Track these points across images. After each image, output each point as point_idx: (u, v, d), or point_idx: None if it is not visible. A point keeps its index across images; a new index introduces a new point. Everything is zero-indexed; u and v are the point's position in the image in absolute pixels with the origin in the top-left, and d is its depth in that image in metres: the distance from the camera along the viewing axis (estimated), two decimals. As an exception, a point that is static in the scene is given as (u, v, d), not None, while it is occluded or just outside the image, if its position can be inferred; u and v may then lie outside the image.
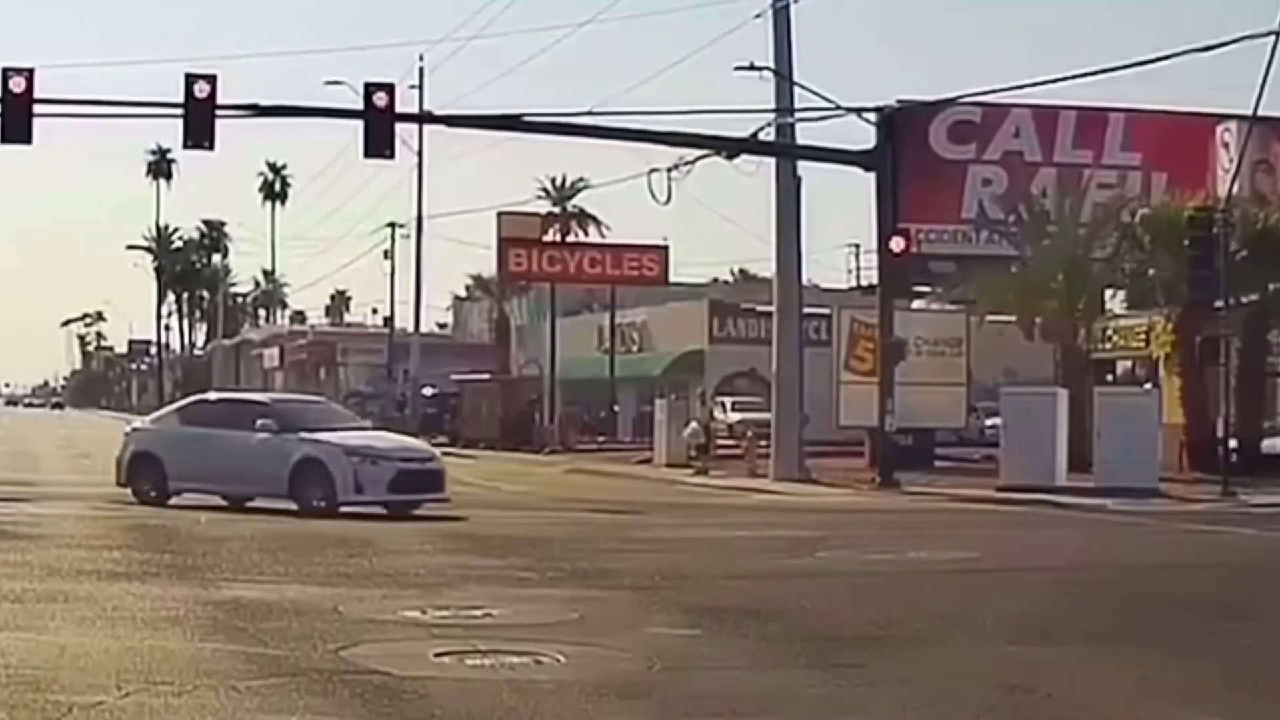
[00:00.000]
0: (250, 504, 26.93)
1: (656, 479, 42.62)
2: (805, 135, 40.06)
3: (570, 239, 76.39)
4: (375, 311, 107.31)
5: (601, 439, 63.06)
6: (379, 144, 33.34)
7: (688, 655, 12.17)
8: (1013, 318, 46.72)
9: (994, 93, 45.28)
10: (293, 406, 30.04)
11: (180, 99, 32.07)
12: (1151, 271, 42.79)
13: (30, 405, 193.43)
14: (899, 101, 41.54)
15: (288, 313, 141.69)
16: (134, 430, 29.71)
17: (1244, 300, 39.60)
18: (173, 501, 27.09)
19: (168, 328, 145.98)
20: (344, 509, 25.63)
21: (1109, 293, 48.06)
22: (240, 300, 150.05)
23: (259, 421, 27.09)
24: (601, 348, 71.56)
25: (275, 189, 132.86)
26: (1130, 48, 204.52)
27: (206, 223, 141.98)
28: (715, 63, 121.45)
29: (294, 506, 25.92)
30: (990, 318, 47.26)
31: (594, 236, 78.02)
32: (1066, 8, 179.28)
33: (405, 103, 41.66)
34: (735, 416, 55.17)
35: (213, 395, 33.84)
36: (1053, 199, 47.02)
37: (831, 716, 10.38)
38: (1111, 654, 12.51)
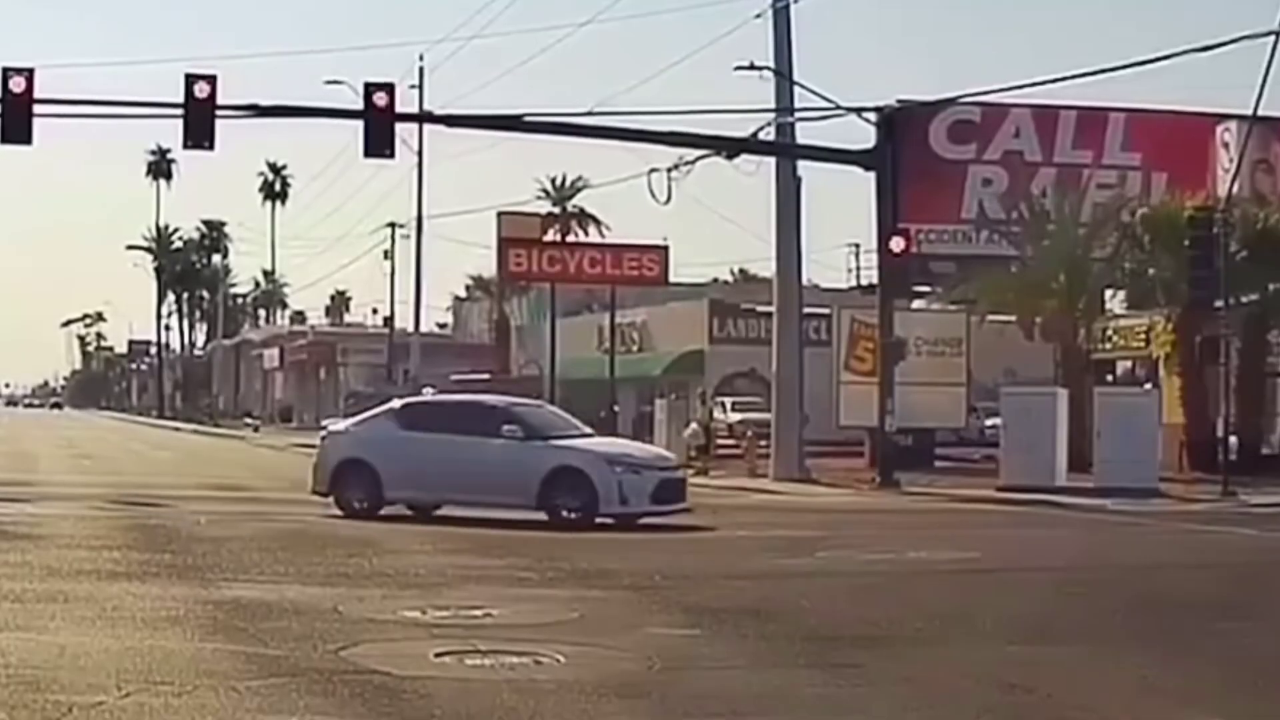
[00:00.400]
0: (439, 512, 25.48)
1: (656, 479, 42.51)
2: (805, 135, 40.11)
3: (570, 239, 76.44)
4: (375, 311, 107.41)
5: (601, 439, 62.93)
6: (379, 144, 33.33)
7: (688, 655, 12.17)
8: (1013, 318, 46.73)
9: (994, 93, 45.35)
10: (531, 410, 28.11)
11: (180, 99, 32.06)
12: (1151, 271, 42.80)
13: (30, 405, 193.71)
14: (899, 101, 41.53)
15: (288, 313, 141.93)
16: (335, 434, 27.55)
17: (1244, 300, 39.60)
18: (384, 512, 25.36)
19: (168, 328, 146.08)
20: (600, 520, 24.33)
21: (1109, 293, 48.07)
22: (240, 300, 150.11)
23: (505, 427, 25.47)
24: (601, 348, 71.46)
25: (275, 189, 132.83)
26: (1130, 48, 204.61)
27: (206, 223, 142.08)
28: (715, 63, 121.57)
29: (542, 517, 24.45)
30: (990, 318, 47.26)
31: (594, 236, 78.14)
32: (1066, 8, 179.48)
33: (405, 103, 41.65)
34: (735, 416, 55.18)
35: (435, 397, 31.60)
36: (1053, 199, 47.02)
37: (831, 716, 10.38)
38: (1111, 654, 12.52)
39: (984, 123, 50.40)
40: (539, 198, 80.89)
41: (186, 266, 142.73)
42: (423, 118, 48.34)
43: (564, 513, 24.46)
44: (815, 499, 34.46)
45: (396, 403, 28.88)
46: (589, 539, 22.12)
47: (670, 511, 25.10)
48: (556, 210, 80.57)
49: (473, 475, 25.08)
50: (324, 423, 30.75)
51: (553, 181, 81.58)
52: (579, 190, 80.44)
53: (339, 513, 25.41)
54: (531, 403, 30.17)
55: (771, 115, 38.96)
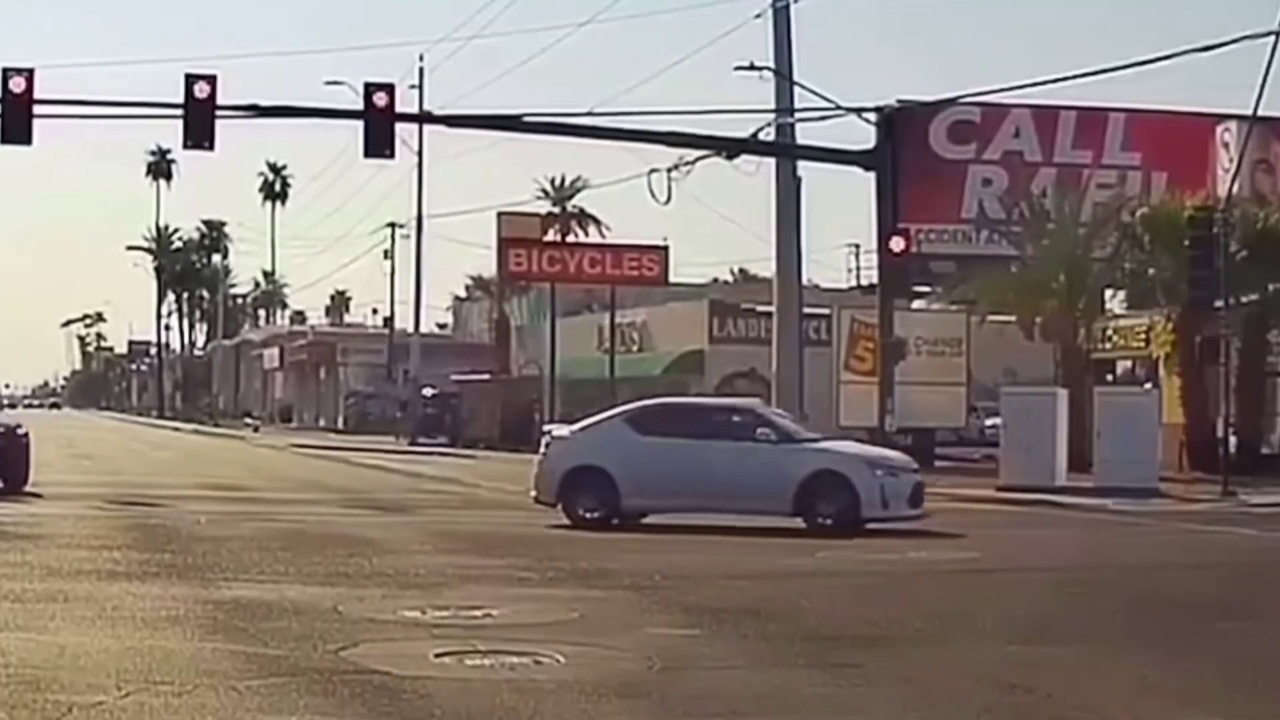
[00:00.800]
0: (646, 520, 24.42)
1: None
2: (805, 135, 40.14)
3: (570, 239, 76.43)
4: (375, 311, 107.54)
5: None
6: (379, 144, 33.33)
7: (688, 655, 12.17)
8: (1013, 318, 46.73)
9: (994, 93, 45.41)
10: (775, 412, 27.19)
11: (180, 99, 32.06)
12: (1151, 271, 42.80)
13: (30, 406, 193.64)
14: (899, 101, 41.54)
15: (288, 313, 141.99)
16: (562, 439, 26.03)
17: (1244, 300, 39.60)
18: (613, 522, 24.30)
19: (168, 328, 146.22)
20: (860, 525, 23.58)
21: (1109, 293, 48.07)
22: (240, 300, 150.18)
23: (759, 430, 24.64)
24: (601, 348, 71.46)
25: (275, 189, 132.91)
26: (1130, 48, 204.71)
27: (206, 223, 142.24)
28: (715, 63, 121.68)
29: (797, 524, 23.69)
30: (990, 318, 47.26)
31: (594, 236, 78.09)
32: (1066, 8, 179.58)
33: (405, 103, 41.68)
34: (735, 416, 55.09)
35: (674, 400, 30.25)
36: (1053, 199, 47.03)
37: (831, 716, 10.38)
38: (1111, 654, 12.52)
39: (984, 123, 50.42)
40: (539, 198, 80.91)
41: (186, 266, 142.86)
42: (423, 118, 48.36)
43: (820, 518, 23.68)
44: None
45: (629, 406, 27.63)
46: (588, 538, 22.12)
47: (919, 516, 24.46)
48: (556, 210, 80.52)
49: (723, 481, 24.08)
50: (545, 428, 29.00)
51: (552, 181, 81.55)
52: (579, 190, 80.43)
53: (566, 522, 24.29)
54: (760, 404, 29.16)
55: (771, 115, 38.98)
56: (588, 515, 24.32)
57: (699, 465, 24.31)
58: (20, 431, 31.03)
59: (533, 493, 25.80)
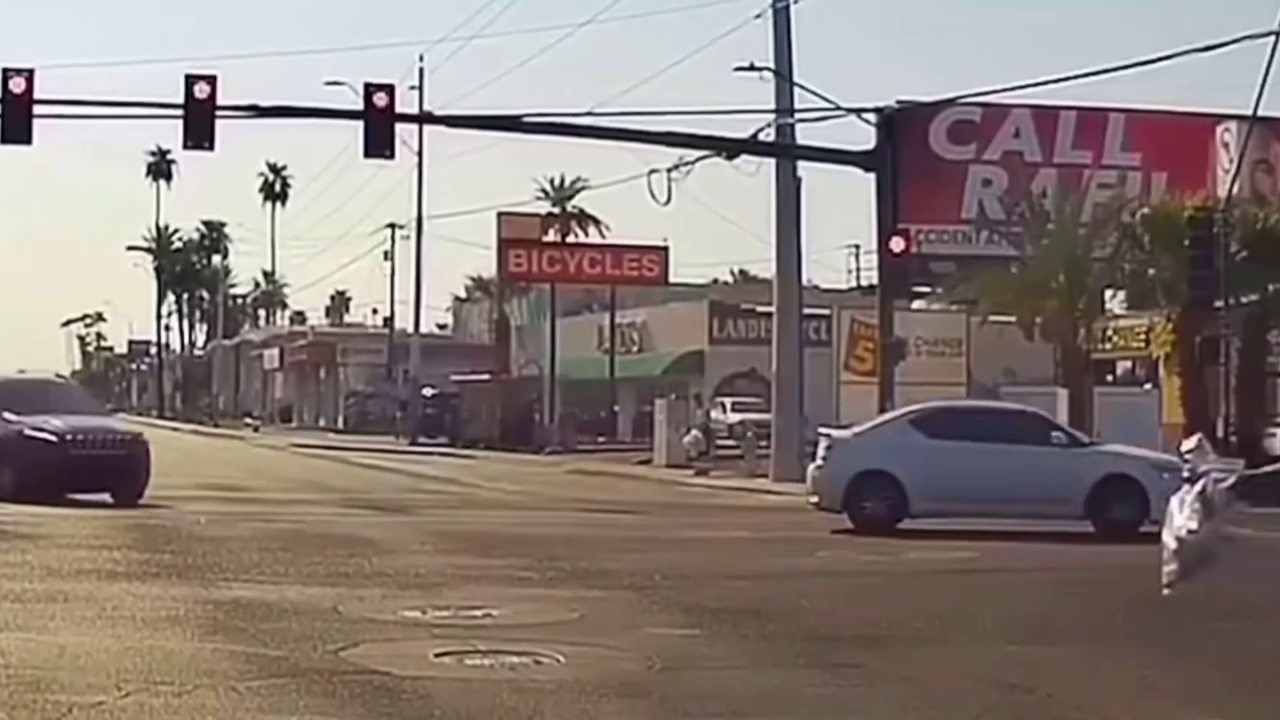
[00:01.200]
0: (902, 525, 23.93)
1: (656, 479, 42.62)
2: (805, 135, 40.13)
3: (570, 239, 76.45)
4: (375, 312, 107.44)
5: (601, 439, 63.12)
6: (379, 144, 33.34)
7: (688, 655, 12.17)
8: (1013, 318, 46.70)
9: (994, 93, 45.43)
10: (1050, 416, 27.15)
11: (180, 99, 32.07)
12: (1151, 271, 42.75)
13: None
14: (899, 101, 41.51)
15: (288, 313, 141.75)
16: (844, 442, 25.75)
17: (1244, 300, 39.57)
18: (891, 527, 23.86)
19: (168, 328, 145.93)
20: (1144, 530, 22.92)
21: (1109, 293, 48.04)
22: (240, 301, 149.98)
23: (1053, 434, 24.89)
24: (601, 348, 71.56)
25: (275, 189, 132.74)
26: (1130, 48, 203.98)
27: (206, 223, 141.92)
28: (715, 63, 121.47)
29: (1085, 528, 23.62)
30: (990, 318, 47.23)
31: (594, 237, 78.11)
32: (1066, 8, 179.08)
33: (405, 103, 41.67)
34: (735, 416, 55.15)
35: (958, 403, 30.30)
36: (1053, 199, 47.00)
37: (831, 716, 10.39)
38: (1111, 654, 12.52)
39: (984, 123, 50.41)
40: (538, 198, 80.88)
41: (186, 267, 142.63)
42: (423, 118, 48.38)
43: (1112, 522, 23.53)
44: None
45: (914, 408, 27.34)
46: (588, 538, 22.13)
47: None
48: (556, 210, 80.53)
49: (1015, 486, 23.95)
50: (821, 431, 28.18)
51: (552, 182, 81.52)
52: (579, 190, 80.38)
53: (850, 526, 24.13)
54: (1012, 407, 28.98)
55: (771, 116, 38.97)
56: (875, 519, 24.00)
57: (991, 470, 24.16)
58: (142, 439, 29.54)
59: (813, 498, 25.56)
